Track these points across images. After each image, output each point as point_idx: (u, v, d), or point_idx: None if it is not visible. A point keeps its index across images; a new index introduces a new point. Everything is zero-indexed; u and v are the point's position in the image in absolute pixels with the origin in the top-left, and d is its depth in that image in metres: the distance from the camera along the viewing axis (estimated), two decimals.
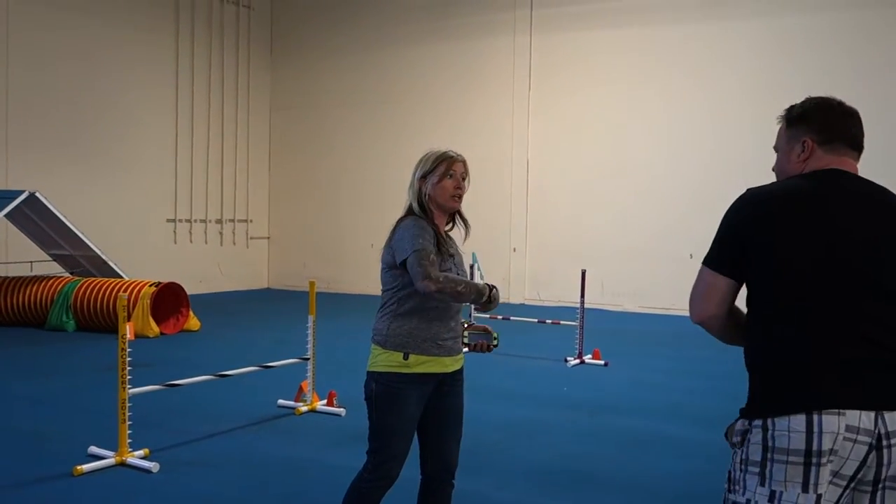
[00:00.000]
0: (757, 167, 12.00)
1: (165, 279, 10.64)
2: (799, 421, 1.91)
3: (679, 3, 13.03)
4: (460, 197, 3.21)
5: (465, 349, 3.23)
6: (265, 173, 16.91)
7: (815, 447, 1.90)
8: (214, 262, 15.66)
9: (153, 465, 4.85)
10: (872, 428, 1.91)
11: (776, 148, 2.31)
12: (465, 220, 3.33)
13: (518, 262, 14.40)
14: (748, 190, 2.14)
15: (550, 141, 14.10)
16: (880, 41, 11.75)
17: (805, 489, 1.91)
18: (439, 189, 3.16)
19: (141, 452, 5.02)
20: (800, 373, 1.95)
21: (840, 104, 2.24)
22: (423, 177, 3.19)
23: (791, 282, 1.98)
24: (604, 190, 13.39)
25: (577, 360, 8.56)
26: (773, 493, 1.93)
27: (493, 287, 3.15)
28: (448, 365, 3.18)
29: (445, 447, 3.28)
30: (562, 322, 9.43)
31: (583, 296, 8.88)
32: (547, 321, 9.67)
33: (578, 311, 8.77)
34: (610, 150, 13.44)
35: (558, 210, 13.96)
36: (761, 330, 2.05)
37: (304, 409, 6.29)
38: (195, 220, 15.34)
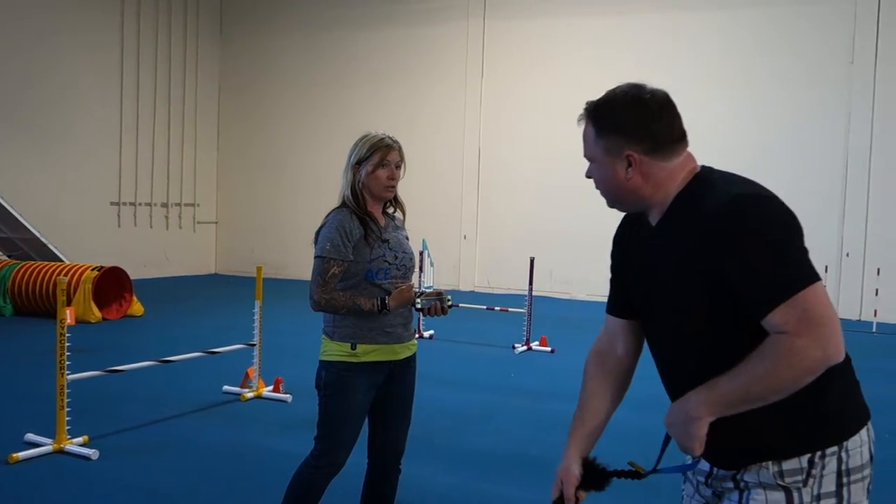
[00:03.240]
0: (713, 160, 12.30)
1: (109, 263, 10.40)
2: (864, 432, 1.82)
3: None
4: (394, 187, 3.18)
5: (421, 314, 3.20)
6: (213, 156, 16.63)
7: (873, 452, 1.85)
8: (160, 247, 15.37)
9: (92, 453, 4.75)
10: None
11: (586, 157, 1.94)
12: (400, 203, 3.31)
13: (468, 249, 14.43)
14: (771, 194, 1.79)
15: (502, 129, 14.13)
16: (823, 31, 12.00)
17: (867, 494, 1.83)
18: (373, 179, 3.14)
19: (80, 439, 4.91)
20: (852, 374, 1.86)
21: (652, 96, 1.85)
22: (358, 163, 3.15)
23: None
24: (554, 179, 13.47)
25: (525, 347, 8.62)
26: None
27: (383, 301, 3.05)
28: (398, 352, 3.17)
29: (393, 434, 3.28)
30: (510, 309, 9.48)
31: (531, 283, 8.94)
32: (496, 308, 9.71)
33: (527, 298, 8.83)
34: (562, 139, 13.49)
35: (509, 198, 14.01)
36: None
37: (250, 395, 6.22)
38: (140, 204, 15.01)
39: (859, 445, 1.79)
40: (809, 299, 1.64)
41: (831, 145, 11.98)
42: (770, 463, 1.77)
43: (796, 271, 1.67)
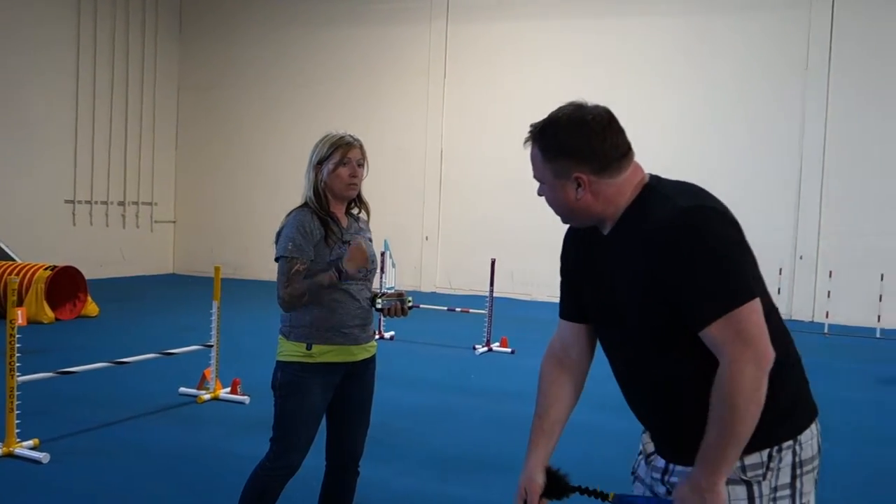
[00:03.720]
0: (672, 163, 12.38)
1: (63, 263, 10.20)
2: (813, 426, 1.91)
3: None
4: (356, 185, 3.16)
5: (381, 314, 3.17)
6: (171, 154, 16.39)
7: (821, 444, 1.94)
8: (116, 246, 15.11)
9: (43, 456, 4.65)
10: None
11: (536, 179, 1.98)
12: (364, 203, 3.29)
13: (430, 250, 14.43)
14: (718, 206, 1.84)
15: (465, 131, 14.15)
16: (778, 42, 12.23)
17: (815, 486, 1.92)
18: (334, 178, 3.11)
19: (30, 443, 4.80)
20: (802, 373, 1.95)
21: (594, 117, 1.89)
22: (319, 163, 3.13)
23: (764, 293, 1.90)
24: (516, 180, 13.49)
25: (485, 348, 8.64)
26: None
27: (338, 265, 3.00)
28: (355, 353, 3.15)
29: (351, 436, 3.26)
30: (471, 310, 9.50)
31: (492, 284, 8.97)
32: (456, 309, 9.73)
33: (487, 299, 8.86)
34: (520, 143, 13.56)
35: (471, 200, 14.03)
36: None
37: (207, 396, 6.14)
38: (96, 202, 14.73)
39: (810, 438, 1.88)
40: (744, 317, 1.72)
41: (786, 151, 12.21)
42: (745, 456, 1.83)
43: (735, 287, 1.74)
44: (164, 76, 15.95)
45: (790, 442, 1.85)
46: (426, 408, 6.22)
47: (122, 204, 15.24)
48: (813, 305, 11.97)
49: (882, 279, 10.87)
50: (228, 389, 6.25)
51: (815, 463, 1.90)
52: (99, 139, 14.66)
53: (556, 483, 2.02)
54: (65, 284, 10.02)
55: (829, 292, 11.28)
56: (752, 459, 1.83)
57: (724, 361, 1.73)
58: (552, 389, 2.11)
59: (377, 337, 8.75)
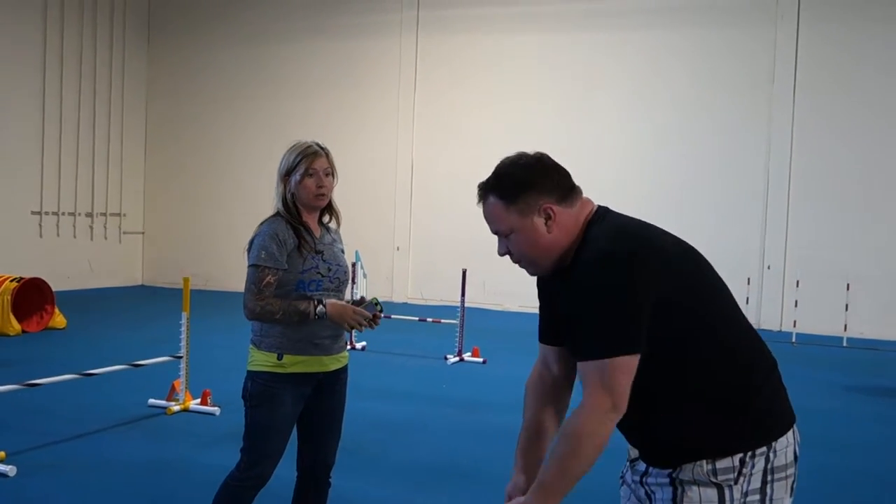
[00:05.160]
0: (640, 179, 12.47)
1: (29, 275, 10.05)
2: (790, 434, 1.96)
3: (566, 11, 13.36)
4: (325, 195, 3.14)
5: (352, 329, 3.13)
6: (140, 165, 16.23)
7: (798, 453, 1.99)
8: (84, 258, 14.91)
9: (9, 469, 4.57)
10: None
11: (501, 232, 2.02)
12: (335, 212, 3.28)
13: (401, 260, 14.42)
14: (633, 250, 1.88)
15: (435, 142, 14.19)
16: (745, 57, 12.43)
17: (791, 493, 1.97)
18: (302, 188, 3.10)
19: None
20: (780, 382, 2.01)
21: (539, 157, 2.01)
22: (287, 174, 3.11)
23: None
24: None
25: (457, 358, 8.65)
26: None
27: (321, 302, 3.00)
28: (327, 364, 3.14)
29: (323, 446, 3.25)
30: (443, 321, 9.51)
31: (463, 294, 8.98)
32: (428, 320, 9.73)
33: (459, 309, 8.87)
34: (492, 153, 13.55)
35: (442, 210, 14.05)
36: (721, 364, 1.93)
37: (177, 408, 6.08)
38: (63, 213, 14.53)
39: (786, 446, 1.93)
40: (612, 369, 1.81)
41: (754, 163, 12.39)
42: (705, 462, 1.88)
43: (613, 340, 1.83)
44: (132, 87, 15.81)
45: (764, 448, 1.89)
46: (398, 418, 6.21)
47: (89, 215, 15.05)
48: (781, 315, 12.13)
49: (848, 289, 11.06)
50: (199, 401, 6.19)
51: (791, 471, 1.94)
52: (66, 149, 14.47)
53: None
54: (32, 296, 9.88)
55: (796, 302, 11.45)
56: (723, 464, 1.87)
57: (582, 401, 1.84)
58: (536, 404, 2.17)
59: (349, 347, 8.75)
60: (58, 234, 14.43)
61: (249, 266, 3.04)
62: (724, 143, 12.49)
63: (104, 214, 15.34)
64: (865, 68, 11.86)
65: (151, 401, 6.23)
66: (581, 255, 1.92)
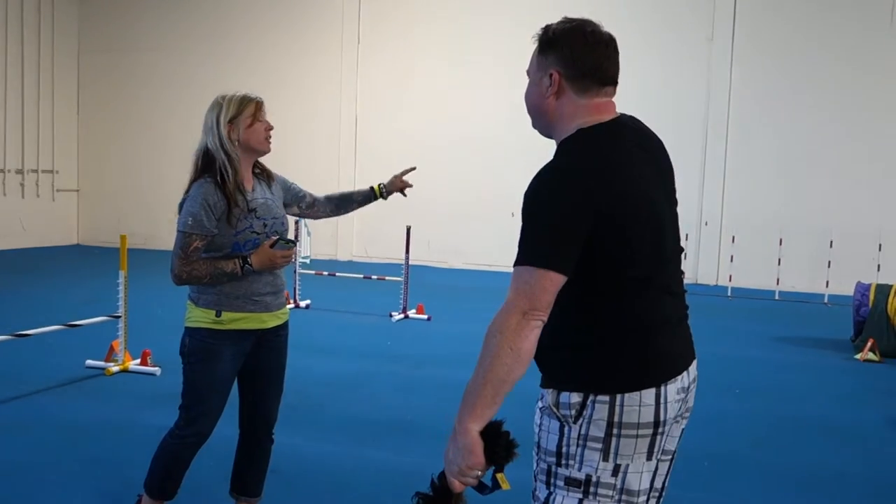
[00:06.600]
0: None
1: None
2: (650, 395, 1.86)
3: None
4: (270, 140, 3.11)
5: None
6: (73, 121, 15.72)
7: (662, 418, 1.88)
8: (16, 216, 14.45)
9: None
10: (688, 383, 1.97)
11: (528, 73, 2.09)
12: (265, 169, 3.23)
13: (346, 218, 14.28)
14: (566, 168, 1.89)
15: (379, 97, 14.03)
16: (703, 12, 12.53)
17: (650, 457, 1.90)
18: (252, 133, 3.05)
19: None
20: (644, 345, 1.89)
21: (592, 31, 1.97)
22: (231, 120, 3.05)
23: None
24: (432, 149, 13.52)
25: (402, 315, 8.69)
26: (617, 466, 1.87)
27: (245, 259, 2.97)
28: (266, 321, 3.11)
29: (264, 403, 3.24)
30: (387, 278, 9.51)
31: (407, 252, 8.99)
32: (373, 277, 9.72)
33: (404, 267, 8.88)
34: (437, 111, 13.57)
35: (387, 167, 13.72)
36: (594, 303, 1.89)
37: (116, 369, 5.99)
38: None
39: (637, 404, 1.85)
40: (535, 278, 1.78)
41: (691, 120, 12.57)
42: (551, 390, 1.91)
43: (539, 250, 1.80)
44: (63, 38, 15.23)
45: (606, 398, 1.84)
46: (342, 375, 6.23)
47: (20, 172, 14.57)
48: (717, 270, 12.45)
49: (781, 244, 11.38)
50: (138, 361, 6.11)
51: (645, 431, 1.86)
52: None
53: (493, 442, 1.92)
54: None
55: (731, 257, 11.75)
56: (562, 398, 1.88)
57: (504, 304, 1.80)
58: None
59: (293, 306, 8.71)
60: None
61: (178, 231, 2.96)
62: (662, 98, 12.54)
63: (35, 171, 14.87)
64: (807, 27, 12.07)
65: (89, 362, 6.12)
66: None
